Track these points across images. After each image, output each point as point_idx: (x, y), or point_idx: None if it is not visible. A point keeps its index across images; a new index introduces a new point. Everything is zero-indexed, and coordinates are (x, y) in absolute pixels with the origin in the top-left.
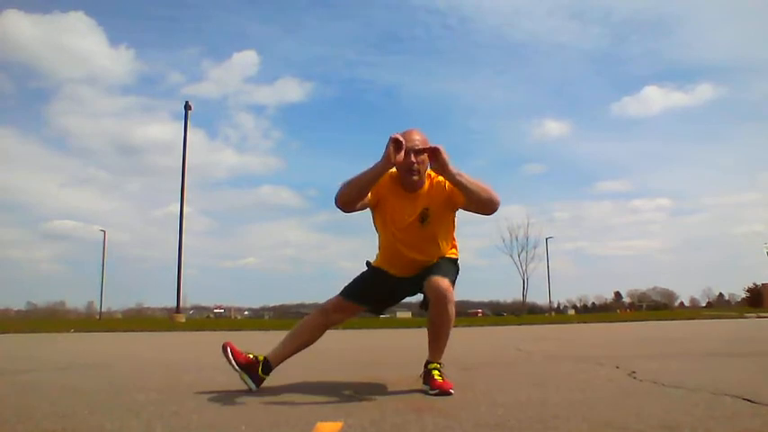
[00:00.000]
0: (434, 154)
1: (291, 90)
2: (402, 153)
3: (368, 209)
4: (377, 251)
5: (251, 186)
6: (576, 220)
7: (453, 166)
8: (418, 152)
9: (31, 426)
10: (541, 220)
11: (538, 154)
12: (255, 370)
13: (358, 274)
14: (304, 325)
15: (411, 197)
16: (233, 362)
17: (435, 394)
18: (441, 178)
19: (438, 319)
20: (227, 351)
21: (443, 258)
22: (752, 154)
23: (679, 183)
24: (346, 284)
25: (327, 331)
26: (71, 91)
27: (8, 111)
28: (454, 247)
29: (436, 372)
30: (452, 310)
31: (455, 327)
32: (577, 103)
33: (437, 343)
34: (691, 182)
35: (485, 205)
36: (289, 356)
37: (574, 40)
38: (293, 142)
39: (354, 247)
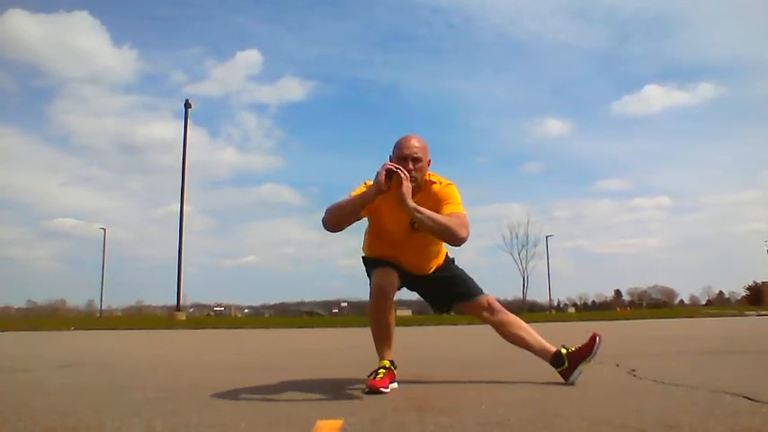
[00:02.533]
0: (396, 182)
1: (293, 89)
2: (392, 182)
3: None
4: (362, 249)
5: (252, 185)
6: (577, 219)
7: (410, 202)
8: (415, 160)
9: (31, 424)
10: (542, 219)
11: (538, 152)
12: (393, 375)
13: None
14: (377, 317)
15: (395, 198)
16: (387, 391)
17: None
18: (435, 185)
19: (513, 335)
20: (380, 391)
21: (452, 271)
22: (752, 153)
23: (679, 181)
24: (365, 272)
25: (328, 329)
26: (74, 90)
27: (11, 109)
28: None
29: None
30: (507, 316)
31: (456, 325)
32: (578, 102)
33: (529, 342)
34: (691, 180)
35: (445, 239)
36: (391, 344)
37: (576, 40)
38: (295, 141)
39: (354, 245)
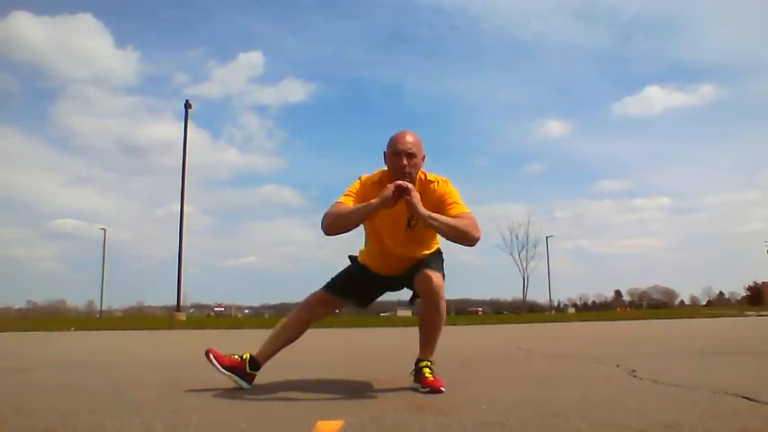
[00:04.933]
0: (402, 194)
1: (295, 90)
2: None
3: None
4: (363, 246)
5: (253, 186)
6: (577, 219)
7: (423, 210)
8: (410, 156)
9: (31, 424)
10: (542, 219)
11: (539, 153)
12: (243, 368)
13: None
14: (288, 322)
15: (401, 203)
16: (218, 366)
17: (426, 392)
18: (434, 184)
19: (429, 315)
20: (209, 357)
21: (430, 253)
22: (752, 153)
23: (680, 182)
24: (330, 279)
25: (327, 330)
26: (77, 91)
27: (14, 110)
28: (437, 242)
29: (427, 369)
30: (444, 305)
31: (455, 325)
32: (579, 103)
33: (428, 339)
34: (691, 181)
35: (460, 241)
36: (275, 353)
37: (579, 41)
38: (296, 142)
39: (355, 246)
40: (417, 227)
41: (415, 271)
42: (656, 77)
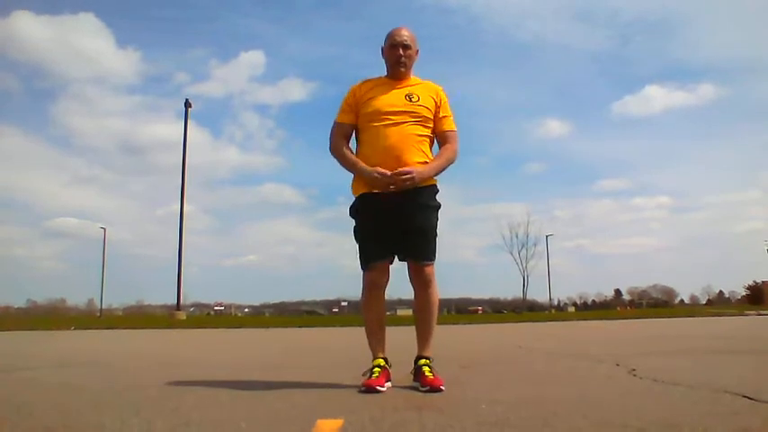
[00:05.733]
0: (408, 180)
1: (295, 90)
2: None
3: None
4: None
5: (253, 184)
6: (577, 218)
7: (426, 172)
8: (405, 47)
9: (31, 423)
10: (542, 218)
11: (539, 153)
12: (389, 374)
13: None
14: (370, 312)
15: (398, 84)
16: (384, 389)
17: (426, 391)
18: (431, 83)
19: (423, 306)
20: (377, 389)
21: (425, 208)
22: (752, 153)
23: (680, 181)
24: (359, 258)
25: (327, 329)
26: (78, 91)
27: (14, 110)
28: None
29: (427, 368)
30: (436, 295)
31: (456, 324)
32: (579, 103)
33: (423, 331)
34: (691, 180)
35: None
36: (384, 340)
37: (579, 41)
38: (296, 141)
39: (355, 245)
40: (418, 104)
41: (407, 251)
42: (655, 77)
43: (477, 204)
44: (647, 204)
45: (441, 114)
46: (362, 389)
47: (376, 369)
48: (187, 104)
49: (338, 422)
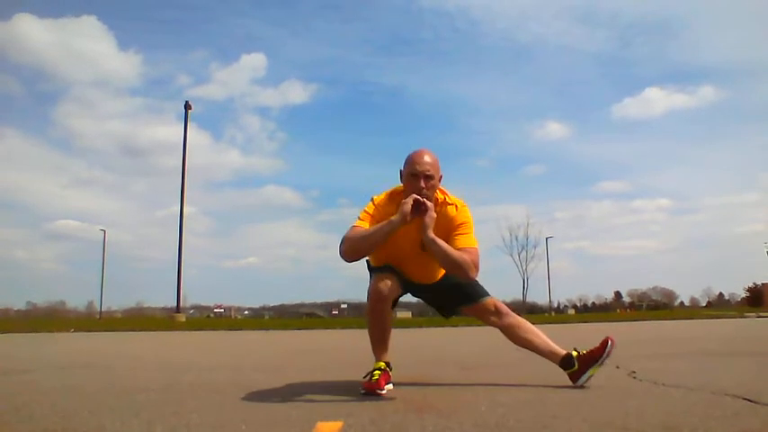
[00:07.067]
0: (420, 209)
1: (297, 92)
2: (415, 212)
3: None
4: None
5: (254, 187)
6: (577, 220)
7: (431, 233)
8: (427, 178)
9: (31, 425)
10: (542, 220)
11: (539, 154)
12: (390, 377)
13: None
14: (375, 328)
15: (415, 221)
16: (384, 392)
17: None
18: (451, 207)
19: (516, 334)
20: (377, 392)
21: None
22: (752, 155)
23: (679, 183)
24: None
25: (327, 331)
26: (79, 93)
27: (16, 112)
28: None
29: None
30: (515, 316)
31: (455, 327)
32: (579, 105)
33: (543, 343)
34: (691, 182)
35: (454, 273)
36: (388, 343)
37: (579, 43)
38: (297, 144)
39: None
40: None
41: (457, 304)
42: (656, 79)
43: (477, 206)
44: (647, 206)
45: (457, 231)
46: (363, 391)
47: (376, 371)
48: (187, 106)
49: (338, 424)
